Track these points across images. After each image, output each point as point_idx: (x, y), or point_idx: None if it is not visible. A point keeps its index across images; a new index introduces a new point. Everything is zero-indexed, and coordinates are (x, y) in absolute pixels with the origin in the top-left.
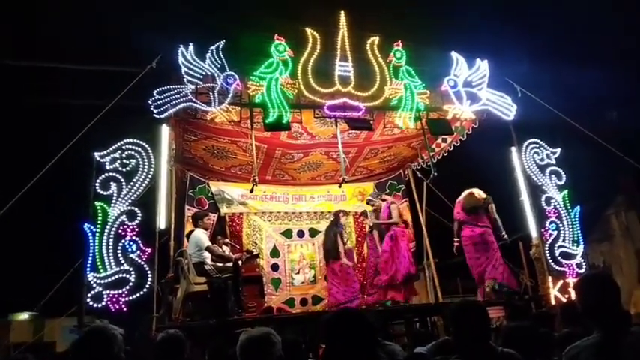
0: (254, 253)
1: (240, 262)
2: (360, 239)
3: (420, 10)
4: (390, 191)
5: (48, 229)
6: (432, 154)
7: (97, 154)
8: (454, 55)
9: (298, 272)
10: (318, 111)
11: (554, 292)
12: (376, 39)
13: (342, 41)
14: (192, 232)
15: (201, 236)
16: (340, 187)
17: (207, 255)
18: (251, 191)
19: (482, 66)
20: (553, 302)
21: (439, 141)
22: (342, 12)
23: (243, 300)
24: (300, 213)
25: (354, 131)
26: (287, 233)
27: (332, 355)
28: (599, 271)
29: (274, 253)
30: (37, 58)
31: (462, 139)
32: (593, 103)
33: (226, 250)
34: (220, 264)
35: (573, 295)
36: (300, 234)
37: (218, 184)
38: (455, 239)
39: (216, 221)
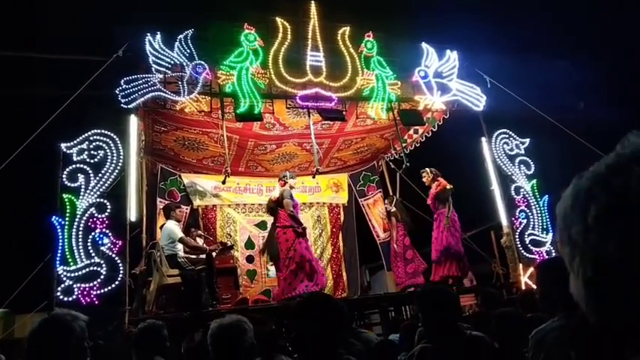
0: (228, 244)
1: (213, 254)
2: (334, 230)
3: (389, 1)
4: (364, 182)
5: (14, 222)
6: (404, 144)
7: (63, 145)
8: (424, 45)
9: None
10: (291, 101)
11: (524, 279)
12: (347, 29)
13: (313, 31)
14: (164, 224)
15: (174, 228)
16: (314, 178)
17: (180, 247)
18: (223, 182)
19: (452, 57)
20: (524, 289)
21: (411, 132)
22: (312, 2)
23: (218, 292)
24: None
25: (327, 122)
26: (261, 225)
27: (302, 339)
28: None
29: (249, 245)
30: None
31: (434, 129)
32: (562, 94)
33: (200, 242)
34: (194, 256)
35: None
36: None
37: (190, 175)
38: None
39: (189, 213)
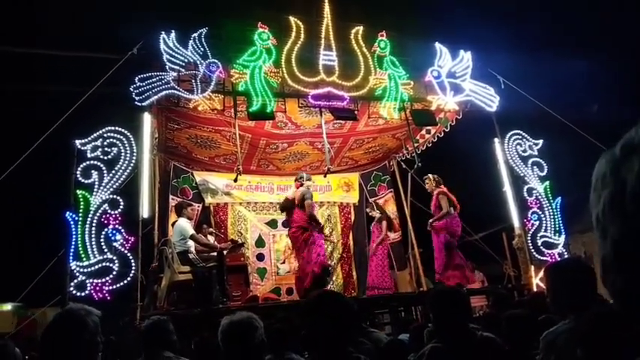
0: (239, 242)
1: (224, 252)
2: (345, 229)
3: (403, 1)
4: (375, 182)
5: (29, 217)
6: (416, 145)
7: (78, 142)
8: (438, 45)
9: (284, 262)
10: (303, 100)
11: (536, 281)
12: (360, 28)
13: (326, 30)
14: (176, 221)
15: (186, 225)
16: (325, 177)
17: (191, 244)
18: (235, 181)
19: (466, 57)
20: (534, 291)
21: (423, 132)
22: (326, 1)
23: (228, 289)
24: None
25: (338, 121)
26: (272, 223)
27: (312, 337)
28: (573, 256)
29: (260, 243)
30: (16, 44)
31: (446, 130)
32: (576, 95)
33: (211, 239)
34: (205, 253)
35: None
36: (286, 224)
37: (202, 173)
38: None
39: (200, 211)
